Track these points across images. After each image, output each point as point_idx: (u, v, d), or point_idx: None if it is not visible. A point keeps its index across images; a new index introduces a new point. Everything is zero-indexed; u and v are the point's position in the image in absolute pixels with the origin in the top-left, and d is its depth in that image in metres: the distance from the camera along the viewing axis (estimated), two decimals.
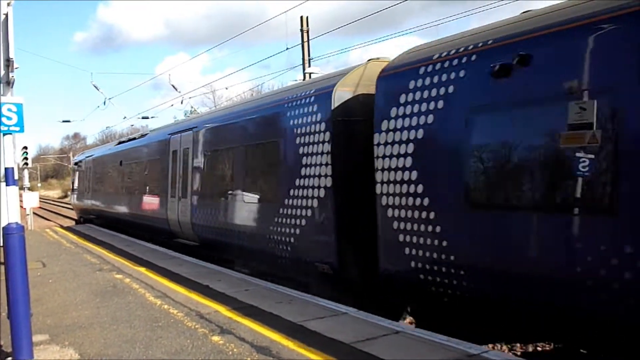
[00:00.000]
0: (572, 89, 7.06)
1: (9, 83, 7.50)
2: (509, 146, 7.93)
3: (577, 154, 6.91)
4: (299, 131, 12.29)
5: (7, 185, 7.17)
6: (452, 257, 8.60)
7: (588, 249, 6.84)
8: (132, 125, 53.50)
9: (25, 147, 27.79)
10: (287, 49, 26.53)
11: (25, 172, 37.54)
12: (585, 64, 7.01)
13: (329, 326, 8.28)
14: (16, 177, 7.31)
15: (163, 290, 11.42)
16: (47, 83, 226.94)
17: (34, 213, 40.25)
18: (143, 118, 44.92)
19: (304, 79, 22.79)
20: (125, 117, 73.88)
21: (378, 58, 12.11)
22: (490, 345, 9.01)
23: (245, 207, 14.59)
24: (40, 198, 42.31)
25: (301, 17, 27.60)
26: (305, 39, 27.41)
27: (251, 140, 14.61)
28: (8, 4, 7.31)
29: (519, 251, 7.71)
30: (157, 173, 21.60)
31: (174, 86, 33.61)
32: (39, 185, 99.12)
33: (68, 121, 72.30)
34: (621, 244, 6.52)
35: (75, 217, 41.21)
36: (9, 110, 7.31)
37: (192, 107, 34.42)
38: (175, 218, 19.20)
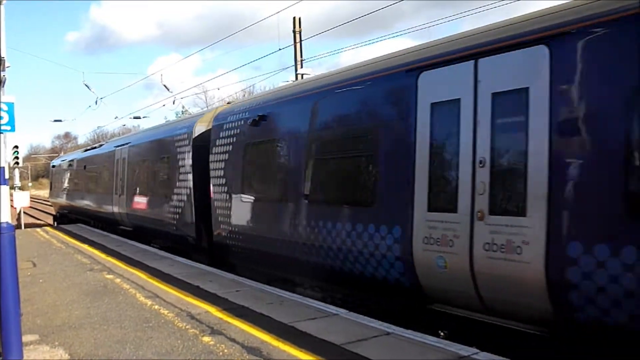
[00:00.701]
0: (279, 135, 13.22)
1: (0, 82, 7.48)
2: (256, 163, 14.21)
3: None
4: (178, 151, 18.49)
5: None
6: (236, 229, 14.61)
7: (287, 221, 12.37)
8: (124, 125, 53.40)
9: (16, 147, 27.73)
10: (280, 49, 26.53)
11: (16, 172, 37.58)
12: (281, 124, 13.34)
13: (320, 327, 8.29)
14: (7, 176, 7.28)
15: (154, 291, 11.41)
16: (39, 82, 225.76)
17: (25, 212, 40.06)
18: (135, 118, 44.94)
19: (296, 79, 22.85)
20: (116, 117, 73.76)
21: (230, 102, 19.25)
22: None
23: (153, 202, 21.00)
24: (31, 197, 42.25)
25: (294, 18, 27.62)
26: (298, 39, 27.42)
27: (156, 156, 21.19)
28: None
29: (258, 223, 13.75)
30: (108, 176, 27.77)
31: (165, 86, 33.51)
32: (30, 184, 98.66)
33: (60, 120, 72.25)
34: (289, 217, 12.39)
35: (54, 212, 46.51)
36: (0, 109, 7.28)
37: (183, 107, 34.35)
38: (117, 210, 25.66)
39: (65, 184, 39.36)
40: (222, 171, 15.33)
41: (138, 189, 22.81)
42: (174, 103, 34.88)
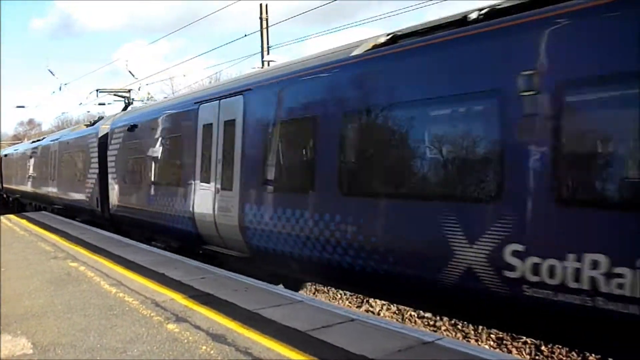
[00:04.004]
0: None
1: None
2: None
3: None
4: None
5: None
6: (118, 203, 20.89)
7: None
8: (89, 112, 53.03)
9: None
10: (245, 35, 26.43)
11: None
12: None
13: (285, 314, 8.34)
14: None
15: (118, 279, 11.34)
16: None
17: None
18: (100, 104, 44.47)
19: (262, 67, 22.79)
20: (81, 103, 72.85)
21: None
22: (444, 329, 9.30)
23: (63, 185, 29.08)
24: None
25: (260, 5, 27.50)
26: (265, 26, 27.32)
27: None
28: None
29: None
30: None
31: (131, 72, 33.42)
32: None
33: (22, 107, 71.41)
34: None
35: None
36: None
37: (148, 93, 34.05)
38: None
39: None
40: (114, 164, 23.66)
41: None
42: (139, 89, 34.64)
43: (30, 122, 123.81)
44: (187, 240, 15.58)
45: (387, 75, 9.62)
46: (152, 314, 8.58)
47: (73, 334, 7.73)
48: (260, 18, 27.55)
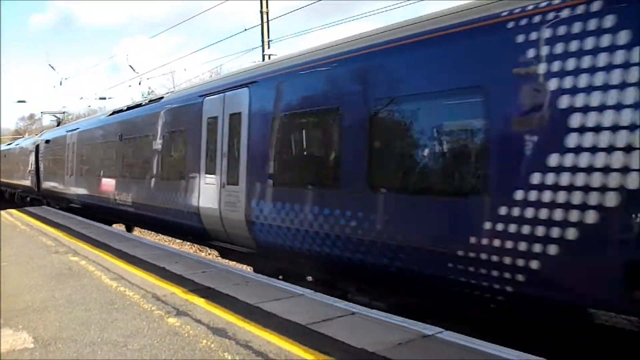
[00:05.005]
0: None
1: None
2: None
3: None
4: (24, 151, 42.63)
5: None
6: (43, 185, 33.64)
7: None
8: (89, 106, 53.52)
9: None
10: (245, 29, 26.37)
11: None
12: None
13: (285, 307, 8.35)
14: None
15: (119, 273, 11.35)
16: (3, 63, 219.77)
17: None
18: (100, 99, 44.79)
19: (262, 60, 22.79)
20: (81, 98, 73.17)
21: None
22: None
23: (21, 177, 40.89)
24: None
25: None
26: (265, 20, 27.23)
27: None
28: None
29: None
30: None
31: (132, 67, 33.59)
32: None
33: (23, 102, 71.81)
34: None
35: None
36: None
37: (149, 88, 34.07)
38: None
39: None
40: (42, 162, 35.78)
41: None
42: (139, 84, 34.71)
43: (31, 117, 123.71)
44: (66, 202, 29.09)
45: (103, 129, 24.27)
46: (152, 308, 8.59)
47: (74, 328, 7.74)
48: (261, 12, 27.45)
